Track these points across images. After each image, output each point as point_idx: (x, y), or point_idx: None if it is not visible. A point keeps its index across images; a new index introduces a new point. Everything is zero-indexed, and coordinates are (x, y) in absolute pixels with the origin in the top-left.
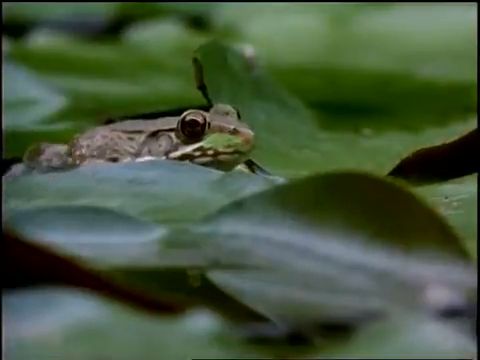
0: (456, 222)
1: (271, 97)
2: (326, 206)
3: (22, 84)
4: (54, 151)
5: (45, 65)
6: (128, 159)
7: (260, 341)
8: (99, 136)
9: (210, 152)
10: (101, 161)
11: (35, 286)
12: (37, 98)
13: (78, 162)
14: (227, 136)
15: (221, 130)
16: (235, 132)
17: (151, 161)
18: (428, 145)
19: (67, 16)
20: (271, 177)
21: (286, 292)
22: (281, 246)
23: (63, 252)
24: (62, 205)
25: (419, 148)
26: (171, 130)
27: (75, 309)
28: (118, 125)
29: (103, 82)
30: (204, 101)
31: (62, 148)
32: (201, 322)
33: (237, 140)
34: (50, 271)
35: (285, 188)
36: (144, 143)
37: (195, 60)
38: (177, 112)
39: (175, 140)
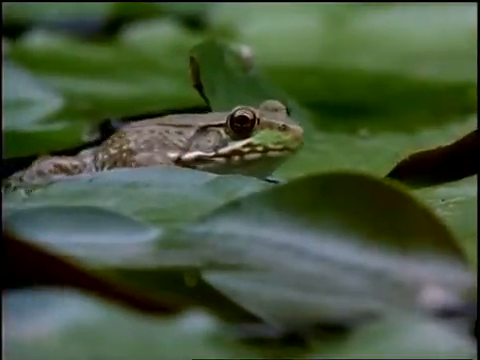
0: (452, 223)
1: (267, 97)
2: (322, 207)
3: (18, 84)
4: (57, 163)
5: (41, 65)
6: (176, 153)
7: (255, 341)
8: (147, 130)
9: (259, 148)
10: (150, 154)
11: (31, 287)
12: (33, 98)
13: (125, 156)
14: (276, 132)
15: (270, 126)
16: (284, 129)
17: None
18: (424, 147)
19: (64, 16)
20: (267, 178)
21: (281, 292)
22: (277, 246)
23: (59, 252)
24: (58, 205)
25: (415, 150)
26: (220, 125)
27: (71, 310)
28: (166, 119)
29: (99, 82)
30: (201, 101)
31: (65, 161)
32: (196, 322)
33: (286, 137)
34: (46, 271)
35: (281, 189)
36: (193, 138)
37: (192, 59)
38: (174, 112)
39: (224, 136)
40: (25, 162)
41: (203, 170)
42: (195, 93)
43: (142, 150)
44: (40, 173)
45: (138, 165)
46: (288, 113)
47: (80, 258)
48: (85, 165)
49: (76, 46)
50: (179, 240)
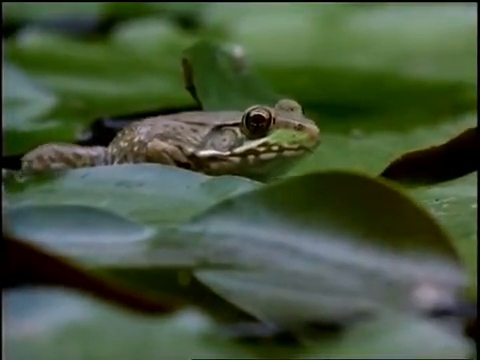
0: (446, 223)
1: (260, 97)
2: (316, 206)
3: (12, 83)
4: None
5: (35, 64)
6: (191, 150)
7: (249, 341)
8: (160, 124)
9: (275, 148)
10: (165, 144)
11: (26, 286)
12: (26, 97)
13: (136, 148)
14: (292, 132)
15: (286, 126)
16: (300, 128)
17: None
18: (418, 146)
19: (57, 16)
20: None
21: (275, 292)
22: (271, 246)
23: (53, 252)
24: (52, 205)
25: (409, 150)
26: (236, 125)
27: (66, 309)
28: (180, 115)
29: (93, 81)
30: (194, 101)
31: (65, 149)
32: (190, 322)
33: (302, 136)
34: (41, 271)
35: (275, 188)
36: (208, 136)
37: (184, 61)
38: (167, 112)
39: (239, 135)
40: (17, 161)
41: (217, 169)
42: (188, 93)
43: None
44: (40, 159)
45: (148, 156)
46: (303, 112)
47: (75, 257)
48: (92, 157)
49: (69, 45)
50: (173, 239)
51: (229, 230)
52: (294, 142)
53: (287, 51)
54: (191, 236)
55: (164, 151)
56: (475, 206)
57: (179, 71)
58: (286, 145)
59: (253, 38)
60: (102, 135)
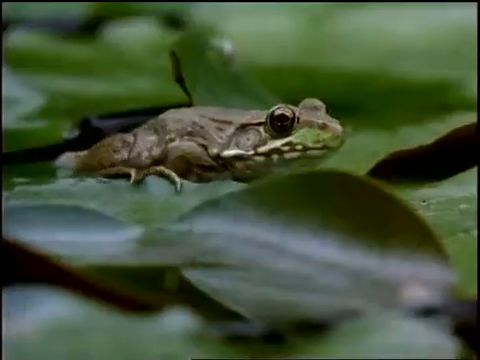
0: (433, 222)
1: (250, 92)
2: (302, 205)
3: None
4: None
5: (21, 64)
6: (215, 150)
7: (236, 339)
8: (189, 122)
9: (299, 147)
10: (191, 144)
11: (14, 284)
12: (14, 96)
13: (168, 145)
14: (316, 131)
15: (310, 125)
16: (324, 127)
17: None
18: (405, 145)
19: (43, 15)
20: None
21: (262, 291)
22: (257, 245)
23: (41, 250)
24: (41, 204)
25: (396, 148)
26: (260, 124)
27: (53, 307)
28: (206, 111)
29: (79, 80)
30: (181, 99)
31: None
32: (177, 320)
33: (326, 135)
34: (29, 269)
35: (261, 187)
36: (233, 135)
37: (173, 53)
38: (156, 111)
39: (263, 134)
40: (4, 160)
41: (242, 169)
42: (175, 91)
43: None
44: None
45: (175, 154)
46: (327, 111)
47: (62, 256)
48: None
49: (57, 44)
50: (160, 238)
51: (216, 229)
52: (318, 141)
53: (274, 51)
54: (178, 235)
55: (185, 154)
56: (463, 206)
57: (166, 70)
58: (310, 144)
59: (240, 38)
60: (89, 134)
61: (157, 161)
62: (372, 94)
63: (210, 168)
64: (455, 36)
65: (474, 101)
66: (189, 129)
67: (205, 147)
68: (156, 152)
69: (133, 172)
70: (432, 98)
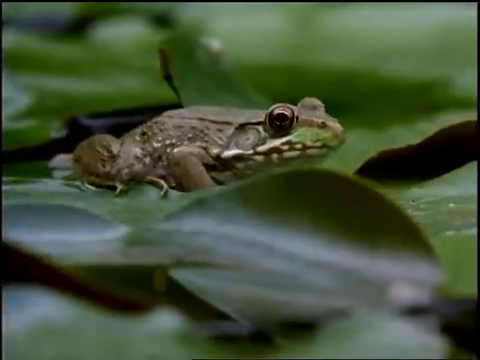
0: (421, 222)
1: (237, 91)
2: (290, 204)
3: None
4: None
5: (10, 63)
6: (217, 150)
7: (224, 339)
8: (189, 127)
9: (298, 146)
10: (193, 149)
11: (1, 283)
12: (2, 95)
13: (169, 150)
14: (315, 130)
15: (309, 124)
16: (323, 126)
17: None
18: (393, 144)
19: (32, 14)
20: None
21: (250, 290)
22: (245, 244)
23: (30, 250)
24: (29, 203)
25: (384, 148)
26: (259, 123)
27: (41, 307)
28: (204, 113)
29: (68, 80)
30: (169, 98)
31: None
32: (165, 320)
33: (326, 134)
34: (17, 269)
35: (248, 186)
36: (232, 136)
37: (161, 50)
38: (145, 110)
39: (263, 134)
40: None
41: (243, 169)
42: (163, 90)
43: (184, 145)
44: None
45: (176, 160)
46: (326, 110)
47: (51, 255)
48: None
49: (45, 44)
50: (148, 238)
51: (203, 228)
52: (317, 140)
53: (262, 50)
54: (165, 234)
55: (192, 154)
56: (451, 205)
57: (154, 69)
58: (309, 143)
59: (228, 37)
60: (77, 133)
61: (139, 174)
62: (360, 93)
63: (212, 167)
64: (442, 35)
65: (462, 100)
66: (189, 135)
67: (205, 149)
68: (138, 167)
69: (118, 184)
70: (420, 97)
